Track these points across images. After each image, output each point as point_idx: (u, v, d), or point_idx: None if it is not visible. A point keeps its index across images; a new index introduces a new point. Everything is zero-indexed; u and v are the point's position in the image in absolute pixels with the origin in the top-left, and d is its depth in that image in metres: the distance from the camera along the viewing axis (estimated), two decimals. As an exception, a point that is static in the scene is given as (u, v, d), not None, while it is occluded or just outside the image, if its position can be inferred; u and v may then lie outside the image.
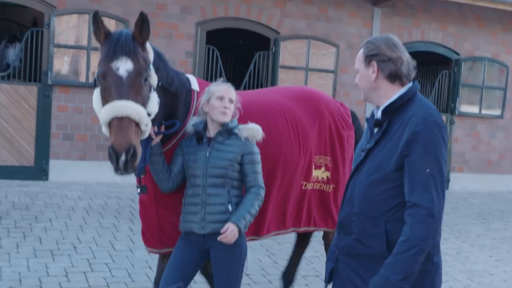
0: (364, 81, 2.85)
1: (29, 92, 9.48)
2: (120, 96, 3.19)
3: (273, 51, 10.74)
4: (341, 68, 11.24)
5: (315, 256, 6.68)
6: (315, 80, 10.99)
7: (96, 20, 3.26)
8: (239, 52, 15.45)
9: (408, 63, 2.80)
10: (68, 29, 9.70)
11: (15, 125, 9.42)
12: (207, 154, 3.58)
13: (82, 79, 9.67)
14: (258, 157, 3.65)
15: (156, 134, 3.60)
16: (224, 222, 3.50)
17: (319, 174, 4.55)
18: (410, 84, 2.82)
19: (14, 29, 11.60)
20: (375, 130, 2.84)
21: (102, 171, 9.53)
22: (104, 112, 3.17)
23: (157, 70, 3.46)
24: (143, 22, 3.31)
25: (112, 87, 3.22)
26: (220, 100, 3.60)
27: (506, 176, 12.81)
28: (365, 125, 3.01)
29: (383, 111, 2.80)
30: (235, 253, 3.57)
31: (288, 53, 10.87)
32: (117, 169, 3.15)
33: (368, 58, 2.81)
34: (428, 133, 2.63)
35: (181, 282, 3.58)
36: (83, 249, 6.27)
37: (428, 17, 11.90)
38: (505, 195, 12.32)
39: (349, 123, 4.75)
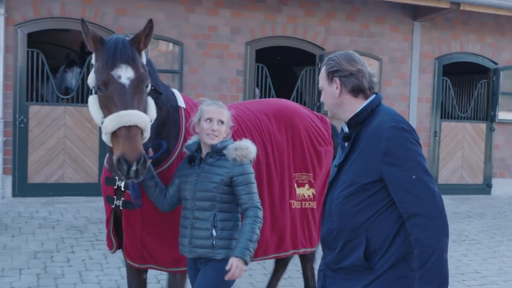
0: (329, 97, 2.87)
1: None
2: (126, 105, 3.16)
3: (319, 67, 11.20)
4: (384, 81, 11.66)
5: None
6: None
7: (83, 27, 3.27)
8: (277, 68, 15.93)
9: (369, 75, 2.83)
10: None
11: (79, 145, 9.96)
12: (196, 176, 3.48)
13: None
14: (251, 177, 3.47)
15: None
16: (209, 247, 3.42)
17: (304, 192, 4.45)
18: (373, 96, 2.83)
19: (71, 54, 12.19)
20: (345, 144, 2.85)
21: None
22: (110, 121, 3.14)
23: (149, 75, 3.42)
24: (150, 29, 3.32)
25: (115, 96, 3.19)
26: (208, 122, 3.46)
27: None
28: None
29: (349, 124, 2.82)
30: (221, 282, 3.43)
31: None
32: (127, 178, 3.14)
33: (331, 75, 2.82)
34: (401, 141, 2.63)
35: None
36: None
37: (466, 29, 12.27)
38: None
39: (327, 139, 4.65)
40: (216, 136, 3.45)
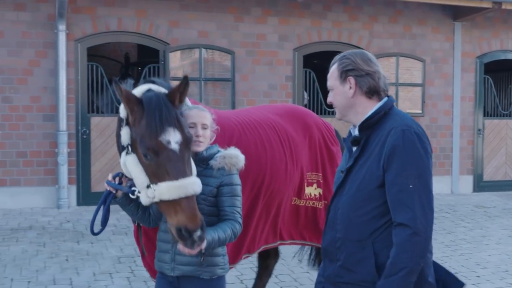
0: (341, 98, 2.70)
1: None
2: (183, 174, 2.93)
3: (365, 69, 11.47)
4: (427, 81, 11.89)
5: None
6: (404, 94, 11.69)
7: (117, 88, 3.00)
8: (324, 72, 16.17)
9: (384, 77, 2.69)
10: (181, 63, 10.62)
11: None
12: None
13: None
14: (238, 190, 3.19)
15: (116, 188, 3.20)
16: (196, 265, 3.13)
17: (311, 191, 4.41)
18: (385, 99, 2.68)
19: (124, 66, 12.58)
20: (354, 148, 2.69)
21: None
22: (169, 190, 2.91)
23: None
24: (186, 86, 3.08)
25: (168, 164, 2.93)
26: (192, 127, 3.16)
27: None
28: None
29: (360, 127, 2.66)
30: None
31: (377, 70, 11.58)
32: (192, 245, 2.94)
33: (344, 74, 2.66)
34: (407, 146, 2.48)
35: None
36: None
37: (505, 27, 12.45)
38: None
39: (336, 139, 4.63)
40: (202, 142, 3.18)
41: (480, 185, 12.30)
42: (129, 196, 3.19)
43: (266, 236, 4.30)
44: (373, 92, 2.64)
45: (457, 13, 11.90)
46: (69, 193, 9.83)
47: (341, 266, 2.62)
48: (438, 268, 2.75)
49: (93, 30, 9.97)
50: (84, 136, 9.93)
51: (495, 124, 12.46)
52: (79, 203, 9.92)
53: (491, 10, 11.26)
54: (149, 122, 2.94)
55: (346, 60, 2.66)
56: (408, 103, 11.79)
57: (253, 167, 3.87)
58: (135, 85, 3.20)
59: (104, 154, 10.02)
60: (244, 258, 4.23)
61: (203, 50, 10.54)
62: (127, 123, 3.09)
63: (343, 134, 3.67)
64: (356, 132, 2.69)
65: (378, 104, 2.65)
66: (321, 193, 4.48)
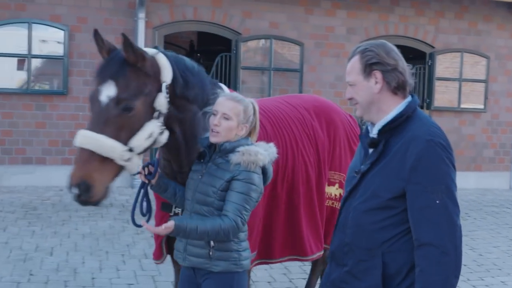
0: (365, 93, 2.46)
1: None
2: (91, 126, 2.85)
3: (429, 64, 11.65)
4: (491, 77, 12.01)
5: None
6: (467, 89, 11.85)
7: (96, 38, 3.02)
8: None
9: (409, 69, 2.49)
10: (253, 53, 10.97)
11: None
12: (201, 175, 3.06)
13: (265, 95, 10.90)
14: (251, 189, 2.95)
15: (147, 177, 3.15)
16: (205, 257, 3.01)
17: (332, 191, 4.27)
18: (409, 99, 2.47)
19: (188, 53, 12.98)
20: (370, 150, 2.50)
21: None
22: (75, 139, 2.87)
23: (186, 84, 3.13)
24: (123, 45, 2.94)
25: (91, 113, 2.92)
26: (213, 115, 3.01)
27: None
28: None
29: (380, 130, 2.45)
30: None
31: (441, 65, 11.76)
32: (76, 201, 2.86)
33: (369, 68, 2.43)
34: (433, 158, 2.29)
35: None
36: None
37: None
38: None
39: (358, 139, 4.29)
40: (218, 132, 2.97)
41: (539, 181, 12.38)
42: (163, 184, 3.18)
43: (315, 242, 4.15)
44: (401, 87, 2.44)
45: (522, 10, 11.99)
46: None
47: (347, 272, 2.48)
48: None
49: (170, 18, 10.37)
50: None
51: (556, 122, 12.52)
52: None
53: (558, 8, 11.32)
54: (97, 68, 3.02)
55: (370, 53, 2.43)
56: (472, 97, 11.95)
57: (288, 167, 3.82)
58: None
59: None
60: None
61: (273, 41, 10.86)
62: None
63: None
64: (374, 132, 2.49)
65: (402, 105, 2.45)
66: (342, 193, 4.21)
